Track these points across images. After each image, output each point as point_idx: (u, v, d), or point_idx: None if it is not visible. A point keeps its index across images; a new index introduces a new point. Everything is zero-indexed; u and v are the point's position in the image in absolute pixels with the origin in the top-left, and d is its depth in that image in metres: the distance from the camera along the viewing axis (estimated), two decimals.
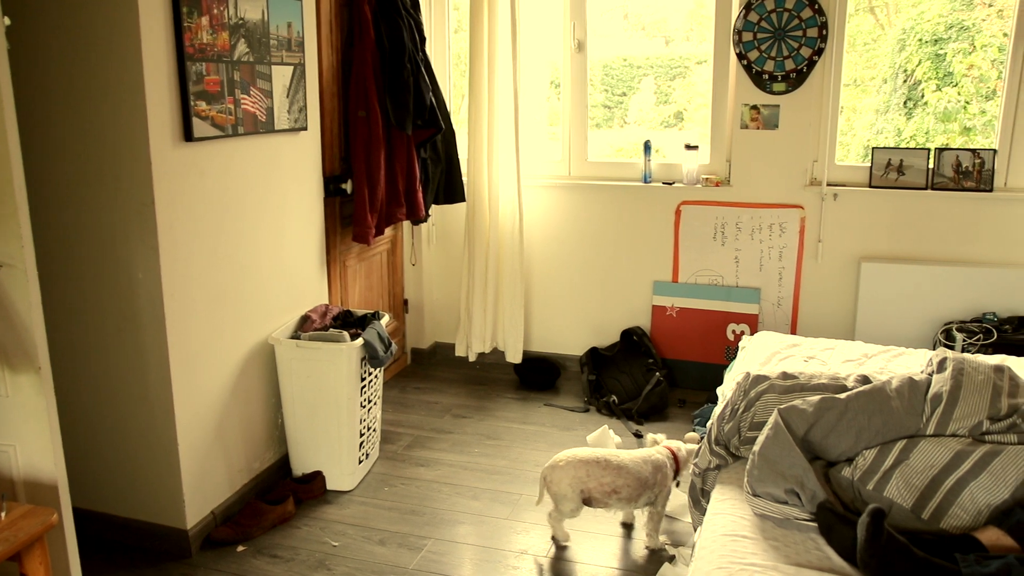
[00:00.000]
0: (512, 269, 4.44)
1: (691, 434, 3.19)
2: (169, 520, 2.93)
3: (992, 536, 1.89)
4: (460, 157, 4.41)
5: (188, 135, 2.75)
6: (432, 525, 3.13)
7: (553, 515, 2.96)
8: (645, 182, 4.41)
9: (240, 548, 2.98)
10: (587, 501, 2.87)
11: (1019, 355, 3.16)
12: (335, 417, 3.31)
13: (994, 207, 4.03)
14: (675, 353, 4.48)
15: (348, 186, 3.81)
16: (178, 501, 2.90)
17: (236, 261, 3.11)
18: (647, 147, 4.37)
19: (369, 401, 3.46)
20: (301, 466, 3.40)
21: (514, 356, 4.53)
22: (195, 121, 2.76)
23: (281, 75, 3.24)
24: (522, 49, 4.29)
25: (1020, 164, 4.01)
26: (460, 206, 4.52)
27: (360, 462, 3.44)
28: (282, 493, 3.24)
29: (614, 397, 4.15)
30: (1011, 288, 3.99)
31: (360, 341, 3.27)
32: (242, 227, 3.13)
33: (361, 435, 3.41)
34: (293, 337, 3.36)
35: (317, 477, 3.34)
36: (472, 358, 4.59)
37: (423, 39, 4.02)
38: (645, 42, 4.91)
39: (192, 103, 2.74)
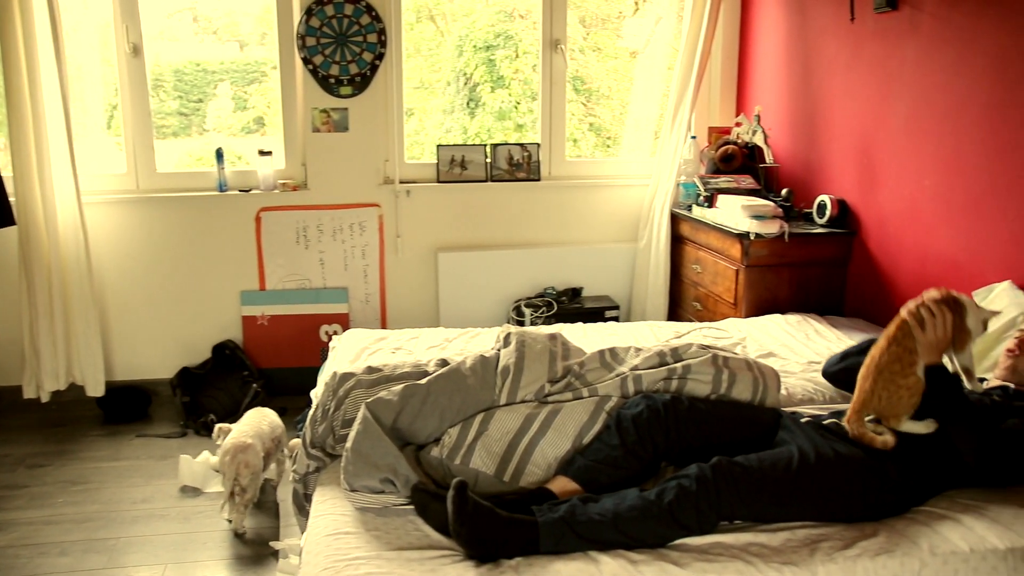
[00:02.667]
0: (82, 294, 4.05)
1: (294, 441, 3.18)
2: None
3: (560, 484, 2.13)
4: (4, 175, 3.91)
5: None
6: None
7: (239, 506, 3.02)
8: (221, 191, 4.28)
9: None
10: None
11: (573, 322, 3.62)
12: None
13: (543, 194, 4.56)
14: (271, 361, 4.42)
15: None
16: None
17: None
18: (219, 155, 4.24)
19: None
20: None
21: (95, 389, 4.14)
22: None
23: None
24: (71, 53, 3.91)
25: (558, 156, 4.60)
26: (10, 231, 3.99)
27: None
28: None
29: (212, 416, 3.98)
30: (564, 264, 4.56)
31: None
32: None
33: None
34: None
35: None
36: (45, 399, 4.11)
37: None
38: (218, 46, 4.74)
39: None
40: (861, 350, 2.47)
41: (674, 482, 1.98)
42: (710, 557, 1.87)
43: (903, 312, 2.19)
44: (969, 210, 3.12)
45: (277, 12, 4.22)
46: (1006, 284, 2.90)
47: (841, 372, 2.57)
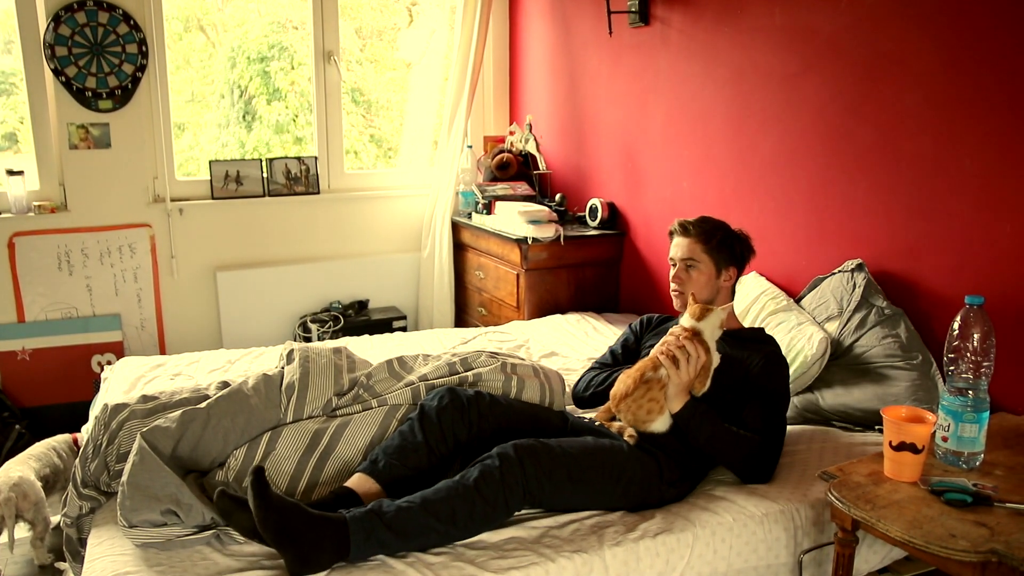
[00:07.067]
0: None
1: None
2: None
3: (358, 482, 2.10)
4: None
5: None
6: None
7: (35, 541, 2.82)
8: None
9: None
10: None
11: (360, 335, 3.61)
12: None
13: (323, 207, 4.51)
14: (37, 399, 4.07)
15: None
16: None
17: None
18: None
19: None
20: None
21: None
22: None
23: None
24: None
25: (337, 168, 4.57)
26: None
27: None
28: None
29: None
30: (349, 277, 4.53)
31: None
32: None
33: None
34: None
35: None
36: None
37: None
38: None
39: None
40: (602, 381, 2.63)
41: (478, 464, 2.03)
42: (505, 553, 1.94)
43: (657, 354, 2.27)
44: (719, 210, 3.40)
45: (18, 18, 3.90)
46: (752, 275, 3.20)
47: (589, 399, 2.69)
